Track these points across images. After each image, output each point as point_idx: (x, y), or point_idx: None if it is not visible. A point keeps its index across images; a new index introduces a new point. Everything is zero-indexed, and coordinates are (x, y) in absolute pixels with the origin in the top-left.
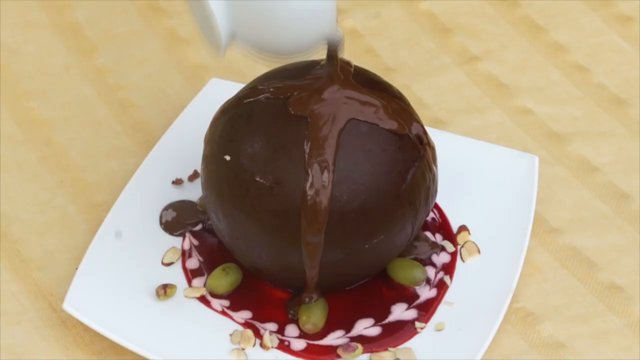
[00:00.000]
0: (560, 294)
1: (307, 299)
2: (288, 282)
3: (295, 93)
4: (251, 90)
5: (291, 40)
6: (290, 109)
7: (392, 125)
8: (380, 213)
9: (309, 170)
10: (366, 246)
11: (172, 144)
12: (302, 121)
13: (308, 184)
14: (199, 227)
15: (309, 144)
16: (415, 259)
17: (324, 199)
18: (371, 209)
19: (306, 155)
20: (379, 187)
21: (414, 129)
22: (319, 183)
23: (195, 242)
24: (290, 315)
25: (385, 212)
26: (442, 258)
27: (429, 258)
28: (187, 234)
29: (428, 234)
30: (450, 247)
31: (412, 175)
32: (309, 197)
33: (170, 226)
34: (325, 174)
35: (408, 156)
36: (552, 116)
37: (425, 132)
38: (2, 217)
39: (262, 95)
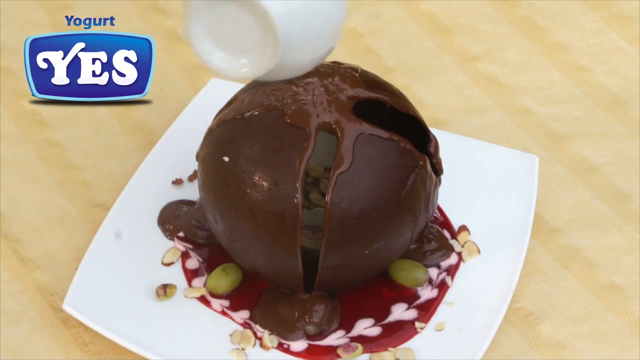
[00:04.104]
0: (560, 294)
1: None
2: (286, 283)
3: (290, 102)
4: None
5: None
6: (287, 118)
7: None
8: (380, 219)
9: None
10: (366, 252)
11: (172, 144)
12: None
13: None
14: (181, 234)
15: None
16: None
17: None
18: (371, 214)
19: (305, 159)
20: (379, 193)
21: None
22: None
23: (190, 246)
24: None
25: (385, 218)
26: (448, 259)
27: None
28: (175, 239)
29: (445, 232)
30: (457, 246)
31: (412, 182)
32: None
33: (170, 226)
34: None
35: (408, 162)
36: (552, 116)
37: (436, 145)
38: (2, 217)
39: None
